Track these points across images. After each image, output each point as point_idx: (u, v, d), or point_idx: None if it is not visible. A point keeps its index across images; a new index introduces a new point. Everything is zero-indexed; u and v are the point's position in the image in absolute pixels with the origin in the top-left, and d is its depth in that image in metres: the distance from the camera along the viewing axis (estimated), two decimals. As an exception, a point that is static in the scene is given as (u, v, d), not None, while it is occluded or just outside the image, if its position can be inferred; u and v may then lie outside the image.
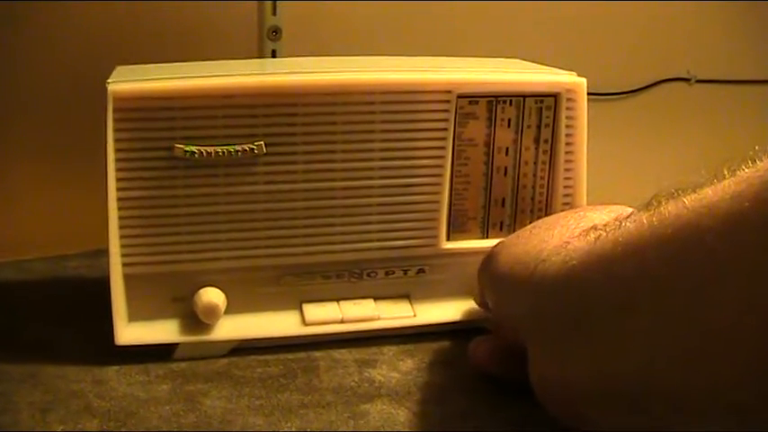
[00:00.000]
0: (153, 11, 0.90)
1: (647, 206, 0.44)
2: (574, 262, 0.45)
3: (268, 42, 0.87)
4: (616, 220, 0.45)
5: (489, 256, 0.59)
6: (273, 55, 0.88)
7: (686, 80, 1.18)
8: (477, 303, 0.65)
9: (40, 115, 0.89)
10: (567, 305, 0.46)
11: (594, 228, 0.48)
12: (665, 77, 1.17)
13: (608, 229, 0.45)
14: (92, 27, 0.88)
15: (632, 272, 0.41)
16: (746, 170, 0.38)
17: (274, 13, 0.87)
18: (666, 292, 0.39)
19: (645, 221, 0.41)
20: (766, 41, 1.21)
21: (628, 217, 0.45)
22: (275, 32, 0.87)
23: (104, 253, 0.60)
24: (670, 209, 0.40)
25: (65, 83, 0.88)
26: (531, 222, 0.65)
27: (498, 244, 0.59)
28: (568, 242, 0.49)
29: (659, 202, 0.42)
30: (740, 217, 0.35)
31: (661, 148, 1.19)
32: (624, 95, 1.15)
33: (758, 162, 0.38)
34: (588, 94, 0.65)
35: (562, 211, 0.65)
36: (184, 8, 0.90)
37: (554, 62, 0.69)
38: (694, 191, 0.40)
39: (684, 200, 0.39)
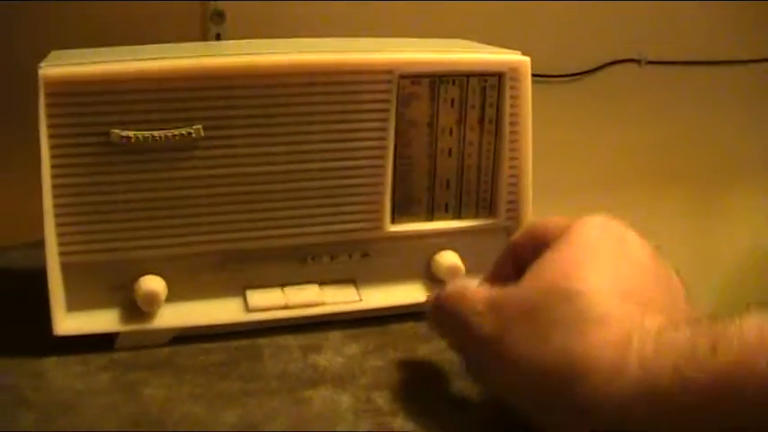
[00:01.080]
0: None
1: (689, 323, 0.42)
2: (628, 398, 0.41)
3: (212, 26, 0.86)
4: (657, 342, 0.42)
5: (480, 333, 0.48)
6: (218, 39, 0.86)
7: (637, 61, 1.18)
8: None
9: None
10: None
11: (630, 337, 0.43)
12: (615, 59, 1.17)
13: (655, 358, 0.41)
14: (28, 12, 0.86)
15: (721, 426, 0.39)
16: None
17: (217, -3, 0.85)
18: None
19: (725, 374, 0.39)
20: (717, 22, 1.21)
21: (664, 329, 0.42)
22: (219, 15, 0.86)
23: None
24: (760, 361, 0.38)
25: (5, 69, 0.86)
26: (476, 205, 0.65)
27: (492, 318, 0.48)
28: (607, 356, 0.43)
29: (717, 330, 0.40)
30: None
31: (612, 130, 1.19)
32: (574, 77, 1.15)
33: None
34: (537, 75, 0.65)
35: (508, 191, 0.65)
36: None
37: (502, 44, 0.68)
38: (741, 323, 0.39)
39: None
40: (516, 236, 0.56)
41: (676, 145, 1.24)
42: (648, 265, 0.48)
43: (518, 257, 0.53)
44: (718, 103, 1.25)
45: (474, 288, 0.51)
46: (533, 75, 0.64)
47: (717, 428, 0.39)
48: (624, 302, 0.45)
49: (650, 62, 1.19)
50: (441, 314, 0.52)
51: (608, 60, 1.17)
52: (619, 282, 0.46)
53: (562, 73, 1.13)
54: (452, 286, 0.53)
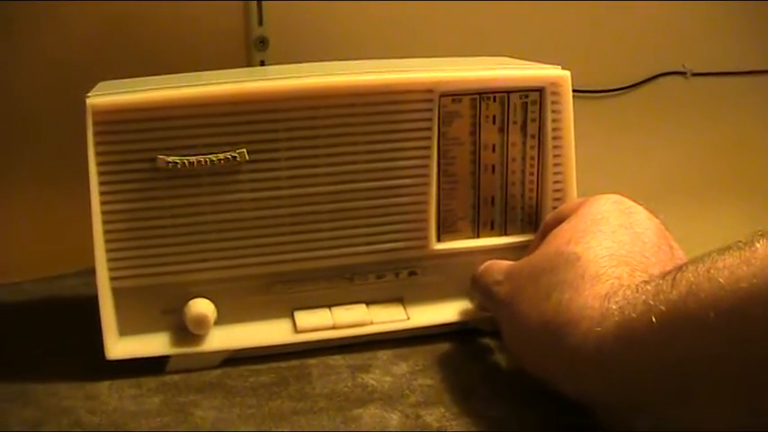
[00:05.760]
0: (138, 27, 0.89)
1: (664, 275, 0.44)
2: (609, 340, 0.45)
3: (256, 53, 0.87)
4: (636, 290, 0.45)
5: (498, 299, 0.56)
6: (262, 65, 0.88)
7: (682, 74, 1.18)
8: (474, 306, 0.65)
9: (31, 136, 0.89)
10: (611, 385, 0.46)
11: (616, 291, 0.47)
12: (660, 72, 1.16)
13: (632, 301, 0.44)
14: (76, 44, 0.88)
15: (677, 358, 0.41)
16: None
17: (260, 24, 0.86)
18: (719, 378, 0.39)
19: (679, 303, 0.41)
20: (761, 32, 1.20)
21: (647, 283, 0.45)
22: (262, 42, 0.87)
23: (98, 269, 0.59)
24: (705, 289, 0.40)
25: (55, 101, 0.88)
26: (521, 221, 0.65)
27: (507, 285, 0.55)
28: (596, 306, 0.47)
29: (682, 270, 0.42)
30: None
31: (659, 143, 1.18)
32: (620, 91, 1.14)
33: None
34: (583, 91, 0.65)
35: (552, 206, 0.65)
36: (171, 23, 0.90)
37: (548, 61, 0.68)
38: (721, 258, 0.40)
39: (719, 279, 0.39)
40: (548, 217, 0.62)
41: (726, 156, 1.22)
42: (650, 236, 0.52)
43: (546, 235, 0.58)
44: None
45: (498, 262, 0.59)
46: (579, 90, 0.64)
47: (678, 358, 0.41)
48: (618, 266, 0.49)
49: (696, 74, 1.18)
50: (475, 286, 0.61)
51: (654, 74, 1.16)
52: (616, 247, 0.50)
53: (608, 87, 1.12)
54: (485, 263, 0.61)
